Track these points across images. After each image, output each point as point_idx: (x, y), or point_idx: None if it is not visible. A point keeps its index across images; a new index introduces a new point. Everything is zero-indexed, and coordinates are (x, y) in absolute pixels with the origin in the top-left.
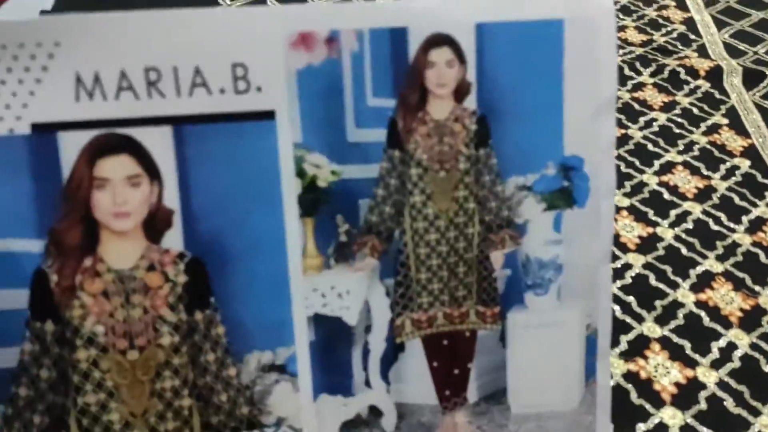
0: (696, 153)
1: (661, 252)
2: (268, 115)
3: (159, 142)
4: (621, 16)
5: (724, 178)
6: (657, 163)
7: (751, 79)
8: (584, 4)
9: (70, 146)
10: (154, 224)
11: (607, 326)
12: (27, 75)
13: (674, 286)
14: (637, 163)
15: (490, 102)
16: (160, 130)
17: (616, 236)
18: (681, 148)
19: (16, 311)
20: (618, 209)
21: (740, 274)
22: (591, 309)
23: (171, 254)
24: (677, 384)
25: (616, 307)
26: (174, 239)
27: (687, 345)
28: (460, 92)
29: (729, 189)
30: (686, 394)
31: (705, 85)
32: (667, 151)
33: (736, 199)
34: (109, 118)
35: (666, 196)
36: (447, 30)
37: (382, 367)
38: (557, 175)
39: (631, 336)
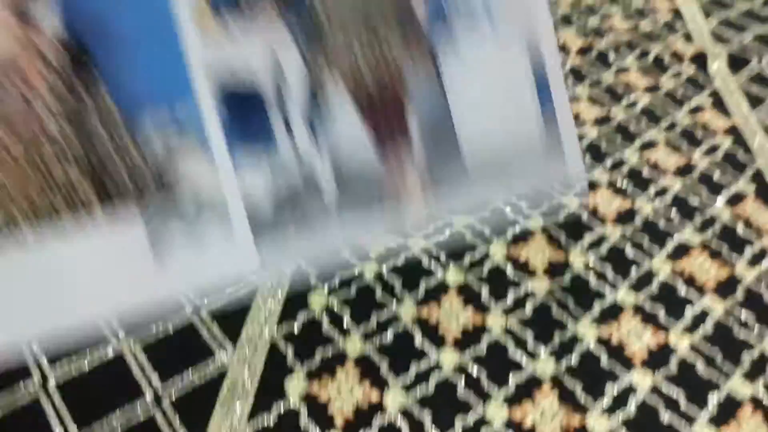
0: (678, 132)
1: (638, 224)
2: None
3: None
4: (607, 5)
5: (705, 154)
6: (639, 142)
7: (735, 65)
8: None
9: None
10: None
11: (554, 54)
12: None
13: (650, 255)
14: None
15: None
16: None
17: (594, 209)
18: (664, 126)
19: None
20: (597, 185)
21: (717, 246)
22: (532, 41)
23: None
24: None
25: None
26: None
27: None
28: None
29: (710, 165)
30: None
31: (689, 70)
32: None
33: (717, 175)
34: None
35: (646, 172)
36: None
37: (303, 111)
38: None
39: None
